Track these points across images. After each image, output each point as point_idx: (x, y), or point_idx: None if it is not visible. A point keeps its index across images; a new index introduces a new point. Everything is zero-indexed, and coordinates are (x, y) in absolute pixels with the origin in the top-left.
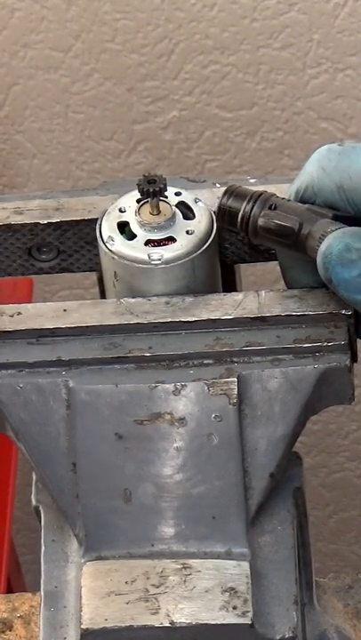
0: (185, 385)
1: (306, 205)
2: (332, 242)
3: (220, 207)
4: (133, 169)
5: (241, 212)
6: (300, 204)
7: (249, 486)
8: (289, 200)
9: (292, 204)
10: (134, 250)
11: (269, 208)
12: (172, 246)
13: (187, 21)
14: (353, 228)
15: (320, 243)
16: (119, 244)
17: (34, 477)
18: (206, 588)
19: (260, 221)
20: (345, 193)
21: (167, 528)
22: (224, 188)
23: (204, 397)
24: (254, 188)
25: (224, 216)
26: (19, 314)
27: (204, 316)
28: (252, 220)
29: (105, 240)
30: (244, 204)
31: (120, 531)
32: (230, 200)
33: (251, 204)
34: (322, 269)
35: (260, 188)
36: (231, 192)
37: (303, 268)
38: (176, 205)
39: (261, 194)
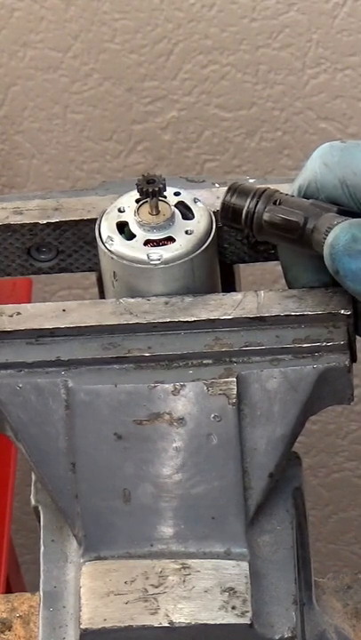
0: (184, 385)
1: (310, 200)
2: (338, 233)
3: (223, 204)
4: (132, 169)
5: (245, 208)
6: (305, 200)
7: (248, 486)
8: (292, 196)
9: (297, 200)
10: (133, 250)
11: (274, 203)
12: (171, 246)
13: (186, 21)
14: (360, 219)
15: (326, 235)
16: (118, 244)
17: (33, 477)
18: (205, 588)
19: (266, 216)
20: (348, 188)
21: (166, 528)
22: (225, 187)
23: (204, 397)
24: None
25: (228, 213)
26: (18, 314)
27: (204, 316)
28: (256, 215)
29: (104, 240)
30: (248, 201)
31: (119, 531)
32: (234, 197)
33: (255, 200)
34: (329, 260)
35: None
36: (234, 189)
37: (305, 266)
38: (175, 205)
39: (265, 190)
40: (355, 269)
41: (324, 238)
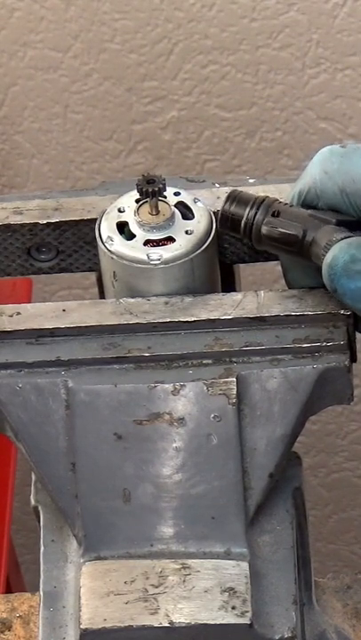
0: (184, 385)
1: (309, 211)
2: (337, 253)
3: (222, 213)
4: (132, 169)
5: (244, 218)
6: (303, 210)
7: (248, 486)
8: (291, 205)
9: (295, 210)
10: (133, 250)
11: (272, 215)
12: (171, 246)
13: (186, 21)
14: (358, 238)
15: (325, 251)
16: (118, 244)
17: (33, 477)
18: (205, 588)
19: (264, 230)
20: (348, 196)
21: (166, 528)
22: (225, 187)
23: (204, 397)
24: (254, 189)
25: (227, 222)
26: (18, 314)
27: (204, 316)
28: (255, 227)
29: (104, 240)
30: (247, 211)
31: (119, 531)
32: (233, 206)
33: (254, 210)
34: (327, 280)
35: (260, 189)
36: (233, 198)
37: (304, 270)
38: (175, 205)
39: (264, 199)
40: (354, 289)
41: (323, 253)
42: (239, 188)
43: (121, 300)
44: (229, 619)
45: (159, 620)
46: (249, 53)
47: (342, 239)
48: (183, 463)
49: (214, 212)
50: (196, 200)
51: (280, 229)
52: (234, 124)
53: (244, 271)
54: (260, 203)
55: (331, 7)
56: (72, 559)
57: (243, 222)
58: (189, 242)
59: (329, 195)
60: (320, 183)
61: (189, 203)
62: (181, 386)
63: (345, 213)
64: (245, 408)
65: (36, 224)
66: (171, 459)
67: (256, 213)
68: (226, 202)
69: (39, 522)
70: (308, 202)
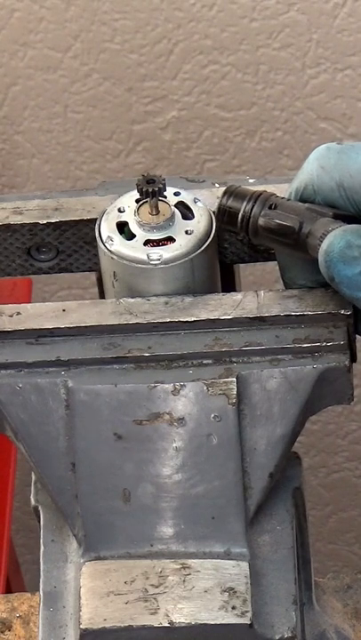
0: (184, 385)
1: (306, 204)
2: (333, 239)
3: (219, 207)
4: (132, 169)
5: (241, 212)
6: (300, 204)
7: (248, 486)
8: (289, 199)
9: (292, 204)
10: (133, 250)
11: (269, 208)
12: (171, 246)
13: (186, 21)
14: (354, 225)
15: (321, 241)
16: (118, 244)
17: (33, 477)
18: (205, 588)
19: (261, 221)
20: (345, 191)
21: (166, 528)
22: (224, 189)
23: (204, 397)
24: (254, 188)
25: (224, 216)
26: (18, 314)
27: (204, 316)
28: (252, 219)
29: (104, 240)
30: (244, 204)
31: (119, 531)
32: (230, 200)
33: (251, 203)
34: (324, 267)
35: (260, 188)
36: (231, 192)
37: (302, 269)
38: (175, 205)
39: (261, 193)
40: (350, 276)
41: (320, 244)
42: None
43: (121, 300)
44: (229, 619)
45: (159, 620)
46: (249, 53)
47: (339, 227)
48: (183, 463)
49: (214, 212)
50: (196, 200)
51: (277, 221)
52: (234, 124)
53: (244, 271)
54: (257, 196)
55: (331, 7)
56: (72, 559)
57: (240, 215)
58: (189, 242)
59: (326, 190)
60: (317, 179)
61: (189, 203)
62: (181, 386)
63: (342, 209)
64: (245, 408)
65: (35, 224)
66: (171, 459)
67: (253, 206)
68: (223, 196)
69: (39, 522)
70: (305, 198)
